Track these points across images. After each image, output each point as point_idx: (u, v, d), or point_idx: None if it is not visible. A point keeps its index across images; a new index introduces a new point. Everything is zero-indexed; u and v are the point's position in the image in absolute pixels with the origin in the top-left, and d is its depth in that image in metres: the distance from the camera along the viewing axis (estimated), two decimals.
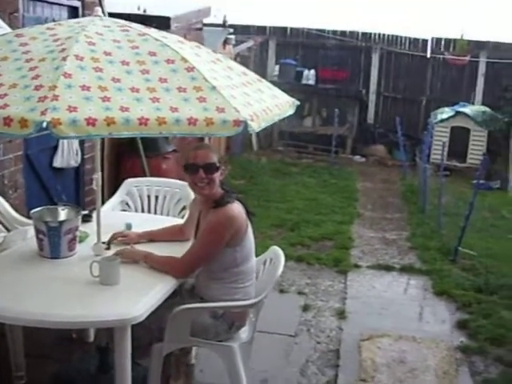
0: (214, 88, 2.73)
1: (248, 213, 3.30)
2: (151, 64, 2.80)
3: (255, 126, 2.73)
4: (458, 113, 10.94)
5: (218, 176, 3.22)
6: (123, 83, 2.63)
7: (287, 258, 3.50)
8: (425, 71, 12.66)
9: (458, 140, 10.85)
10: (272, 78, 12.24)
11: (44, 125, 2.28)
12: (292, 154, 12.03)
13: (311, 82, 12.72)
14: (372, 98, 13.13)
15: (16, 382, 3.68)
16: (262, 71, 11.88)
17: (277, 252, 3.54)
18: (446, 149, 8.03)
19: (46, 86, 2.47)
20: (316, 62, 13.05)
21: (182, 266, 3.19)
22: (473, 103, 11.98)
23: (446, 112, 11.12)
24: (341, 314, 4.98)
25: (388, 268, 6.12)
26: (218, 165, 3.21)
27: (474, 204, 6.17)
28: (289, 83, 11.84)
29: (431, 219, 7.74)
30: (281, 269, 3.35)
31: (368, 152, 12.32)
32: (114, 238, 3.49)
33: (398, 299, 5.39)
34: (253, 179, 9.74)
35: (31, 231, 3.48)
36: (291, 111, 3.43)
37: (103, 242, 3.40)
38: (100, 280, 3.00)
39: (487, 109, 11.21)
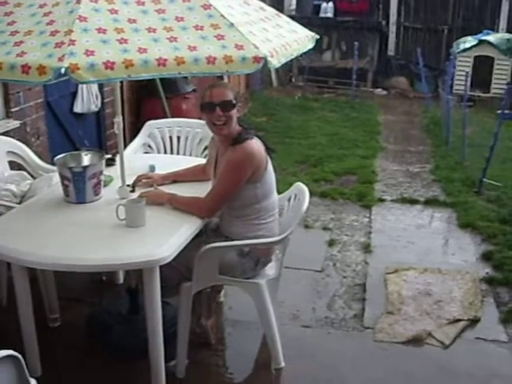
0: (231, 25, 2.68)
1: (267, 149, 3.28)
2: (167, 3, 2.75)
3: (275, 62, 2.70)
4: (481, 41, 10.66)
5: (235, 113, 3.19)
6: (139, 24, 2.60)
7: (311, 193, 3.49)
8: None
9: (482, 69, 10.62)
10: (289, 13, 12.01)
11: (62, 71, 2.27)
12: (312, 89, 11.89)
13: (329, 14, 12.48)
14: (392, 29, 12.84)
15: (51, 324, 3.78)
16: (278, 6, 11.64)
17: (301, 188, 3.53)
18: (469, 79, 7.89)
19: (61, 31, 2.44)
20: None
21: (206, 206, 3.21)
22: (497, 31, 11.67)
23: (468, 41, 10.85)
24: (366, 248, 5.00)
25: (412, 201, 6.10)
26: (234, 102, 3.18)
27: (498, 134, 6.08)
28: (307, 17, 11.67)
29: (455, 151, 7.67)
30: (306, 205, 3.35)
31: (389, 84, 12.15)
32: (138, 180, 3.51)
33: (422, 232, 5.39)
34: (274, 116, 9.68)
35: (56, 177, 3.51)
36: (311, 45, 3.39)
37: (128, 185, 3.42)
38: (126, 223, 3.03)
39: None
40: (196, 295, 3.32)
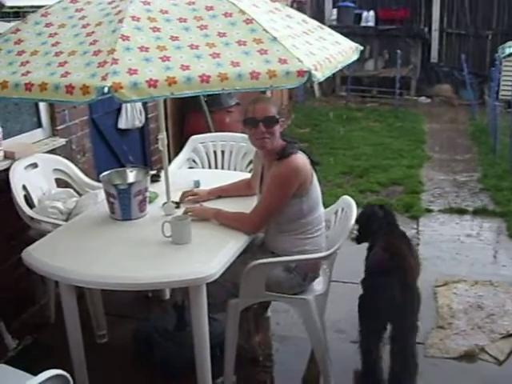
0: (274, 39, 2.65)
1: (312, 162, 3.24)
2: (209, 19, 2.74)
3: (319, 76, 2.66)
4: None
5: (277, 129, 3.16)
6: (182, 41, 2.59)
7: (357, 205, 3.44)
8: (491, 3, 12.08)
9: None
10: (330, 23, 11.98)
11: (105, 90, 2.27)
12: (356, 98, 11.82)
13: (371, 23, 12.39)
14: (435, 35, 12.68)
15: (99, 341, 3.80)
16: (319, 16, 11.64)
17: (348, 201, 3.48)
18: None
19: (104, 50, 2.45)
20: (375, 3, 12.68)
21: (252, 221, 3.18)
22: None
23: None
24: None
25: (460, 211, 5.98)
26: (277, 117, 3.15)
27: None
28: (348, 26, 11.62)
29: (503, 159, 7.50)
30: (353, 218, 3.30)
31: (433, 92, 12.00)
32: (184, 196, 3.51)
33: (471, 243, 5.27)
34: (317, 127, 9.64)
35: (102, 194, 3.53)
36: (355, 57, 3.35)
37: (173, 202, 3.42)
38: (172, 239, 3.02)
39: None
40: (243, 311, 3.29)
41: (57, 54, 2.59)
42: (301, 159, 3.15)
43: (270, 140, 3.14)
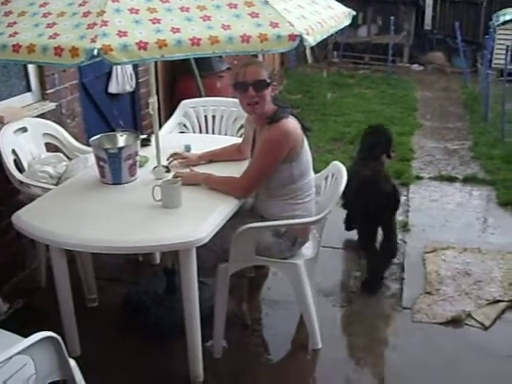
0: (266, 2, 2.62)
1: (303, 127, 3.23)
2: None
3: (311, 40, 2.64)
4: None
5: (268, 93, 3.14)
6: (172, 3, 2.56)
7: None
8: None
9: None
10: None
11: (95, 52, 2.24)
12: (348, 65, 11.76)
13: None
14: (429, 2, 12.58)
15: (89, 304, 3.82)
16: None
17: (338, 167, 3.48)
18: (510, 53, 7.67)
19: (93, 11, 2.41)
20: None
21: (242, 186, 3.19)
22: None
23: (508, 13, 10.52)
24: (404, 227, 4.94)
25: (450, 179, 6.00)
26: (268, 81, 3.13)
27: None
28: None
29: (494, 127, 7.51)
30: (343, 184, 3.30)
31: (426, 60, 11.94)
32: (173, 157, 3.50)
33: (461, 211, 5.30)
34: (309, 93, 9.60)
35: (92, 159, 3.52)
36: (347, 22, 3.33)
37: (163, 166, 3.42)
38: (162, 203, 3.03)
39: None
40: (238, 278, 3.33)
41: (45, 15, 2.55)
42: (292, 124, 3.13)
43: (261, 104, 3.13)
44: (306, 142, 3.23)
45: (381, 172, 4.24)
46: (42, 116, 4.27)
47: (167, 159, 3.51)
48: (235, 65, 6.68)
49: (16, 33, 2.49)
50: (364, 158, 4.38)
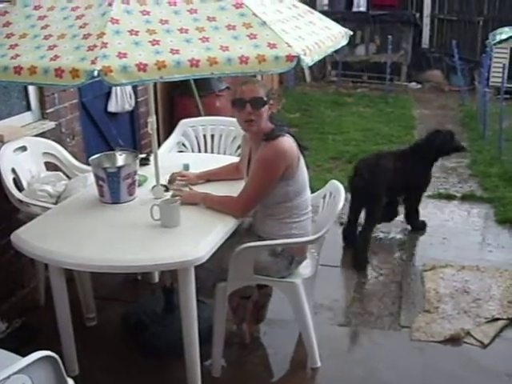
0: (264, 23, 2.66)
1: (300, 146, 3.25)
2: (198, 3, 2.73)
3: (308, 60, 2.68)
4: None
5: (265, 111, 3.16)
6: (171, 24, 2.59)
7: (346, 190, 3.47)
8: None
9: None
10: (322, 8, 11.96)
11: (95, 73, 2.27)
12: (346, 84, 11.80)
13: (362, 8, 12.40)
14: (426, 21, 12.67)
15: (88, 324, 3.82)
16: (311, 2, 11.59)
17: (336, 186, 3.49)
18: (506, 71, 7.71)
19: (94, 33, 2.45)
20: None
21: (240, 205, 3.20)
22: None
23: (505, 32, 10.61)
24: (402, 245, 4.95)
25: (449, 197, 6.02)
26: (265, 99, 3.15)
27: None
28: (339, 12, 11.59)
29: (492, 145, 7.53)
30: (341, 203, 3.31)
31: (424, 78, 12.00)
32: (173, 178, 3.52)
33: (459, 228, 5.31)
34: (308, 112, 9.63)
35: (91, 178, 3.54)
36: (344, 42, 3.36)
37: (162, 185, 3.43)
38: (161, 223, 3.04)
39: None
40: (242, 298, 3.36)
41: (46, 38, 2.59)
42: (287, 142, 3.15)
43: (257, 122, 3.14)
44: (302, 161, 3.24)
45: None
46: (41, 135, 4.29)
47: (167, 179, 3.52)
48: (233, 83, 6.72)
49: (17, 55, 2.53)
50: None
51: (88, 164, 3.65)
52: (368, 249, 4.72)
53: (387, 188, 4.78)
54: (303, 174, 3.26)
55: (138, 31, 2.50)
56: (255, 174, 3.18)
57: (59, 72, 2.35)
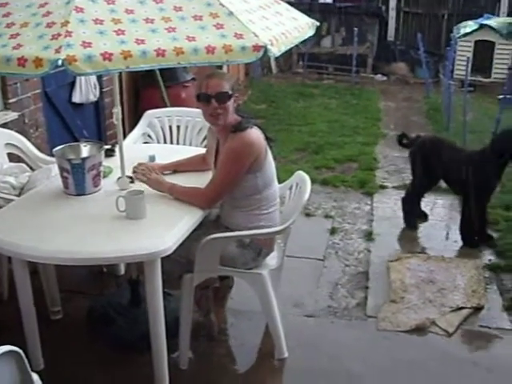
0: (231, 13, 2.65)
1: (267, 138, 3.25)
2: None
3: (275, 51, 2.67)
4: (482, 26, 10.56)
5: (231, 104, 3.16)
6: (137, 14, 2.57)
7: (312, 181, 3.47)
8: None
9: (483, 54, 10.55)
10: None
11: (59, 62, 2.24)
12: (312, 75, 11.82)
13: (329, 0, 12.38)
14: (392, 14, 12.73)
15: (53, 317, 3.77)
16: None
17: (302, 177, 3.51)
18: (470, 64, 7.81)
19: (58, 22, 2.41)
20: None
21: (207, 197, 3.19)
22: (498, 15, 11.57)
23: (469, 26, 10.76)
24: (368, 236, 4.99)
25: None
26: (230, 93, 3.14)
27: (500, 120, 6.04)
28: (306, 3, 11.58)
29: (456, 137, 7.58)
30: (307, 194, 3.32)
31: (389, 70, 12.07)
32: (138, 168, 3.48)
33: (425, 219, 5.37)
34: (274, 103, 9.63)
35: (55, 169, 3.49)
36: (311, 33, 3.36)
37: (128, 176, 3.40)
38: (126, 214, 3.01)
39: None
40: (203, 289, 3.33)
41: (8, 26, 2.55)
42: (255, 134, 3.15)
43: (223, 116, 3.14)
44: (269, 153, 3.24)
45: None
46: (4, 126, 4.23)
47: (132, 169, 3.49)
48: (199, 73, 6.69)
49: None
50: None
51: (52, 155, 3.60)
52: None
53: None
54: (271, 166, 3.26)
55: (102, 20, 2.46)
56: (223, 165, 3.17)
57: (22, 61, 2.31)
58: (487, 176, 4.65)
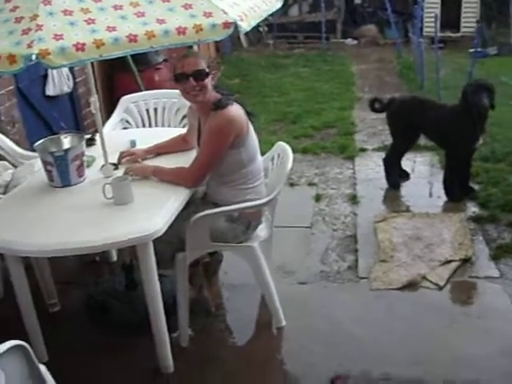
0: None
1: (248, 113, 3.29)
2: None
3: (245, 26, 2.70)
4: None
5: (209, 81, 3.18)
6: (105, 2, 2.57)
7: (293, 150, 3.50)
8: None
9: (450, 10, 10.60)
10: None
11: (33, 58, 2.25)
12: (283, 45, 11.82)
13: None
14: None
15: (51, 310, 3.80)
16: None
17: (283, 147, 3.55)
18: (439, 20, 7.85)
19: (26, 16, 2.41)
20: None
21: (192, 175, 3.23)
22: None
23: None
24: (353, 200, 5.05)
25: None
26: (207, 70, 3.17)
27: (472, 73, 6.10)
28: None
29: (431, 94, 7.64)
30: (290, 164, 3.37)
31: (359, 34, 12.10)
32: (122, 157, 3.51)
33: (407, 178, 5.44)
34: (247, 77, 9.64)
35: (38, 164, 3.50)
36: (279, 5, 3.39)
37: (111, 163, 3.42)
38: (114, 201, 3.04)
39: None
40: (194, 267, 3.36)
41: None
42: (236, 110, 3.18)
43: (202, 93, 3.16)
44: (251, 128, 3.28)
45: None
46: None
47: (117, 160, 3.51)
48: (171, 55, 6.68)
49: None
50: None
51: (32, 150, 3.60)
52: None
53: None
54: (253, 140, 3.30)
55: (72, 11, 2.47)
56: (206, 143, 3.20)
57: None
58: (464, 129, 4.69)
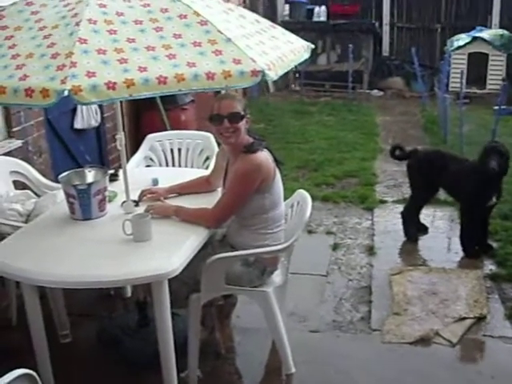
0: (229, 40, 2.73)
1: (276, 160, 3.34)
2: (164, 21, 2.80)
3: (272, 75, 2.75)
4: (474, 38, 10.70)
5: (243, 124, 3.24)
6: (138, 43, 2.65)
7: (313, 198, 3.55)
8: None
9: (477, 66, 10.66)
10: (283, 18, 12.10)
11: (65, 93, 2.32)
12: (309, 93, 11.92)
13: (323, 18, 12.50)
14: (386, 29, 12.88)
15: (62, 341, 3.81)
16: (271, 12, 11.72)
17: (303, 195, 3.58)
18: (465, 76, 7.90)
19: (62, 53, 2.49)
20: None
21: (215, 216, 3.25)
22: (490, 27, 11.70)
23: (462, 38, 10.88)
24: (370, 251, 5.05)
25: None
26: (242, 113, 3.23)
27: (496, 130, 6.11)
28: (300, 22, 11.73)
29: (454, 149, 7.65)
30: (309, 212, 3.40)
31: (385, 85, 12.17)
32: (142, 195, 3.55)
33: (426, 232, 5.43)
34: (272, 122, 9.71)
35: (60, 195, 3.55)
36: (306, 55, 3.44)
37: (132, 200, 3.46)
38: (133, 237, 3.07)
39: (505, 32, 10.88)
40: (207, 308, 3.37)
41: (14, 57, 2.62)
42: (264, 156, 3.23)
43: (235, 135, 3.22)
44: (278, 175, 3.33)
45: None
46: (8, 154, 4.28)
47: (138, 197, 3.55)
48: (198, 96, 6.76)
49: None
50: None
51: (56, 181, 3.67)
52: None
53: None
54: (279, 187, 3.35)
55: (105, 50, 2.54)
56: (232, 185, 3.25)
57: (29, 92, 2.38)
58: (476, 187, 4.71)
